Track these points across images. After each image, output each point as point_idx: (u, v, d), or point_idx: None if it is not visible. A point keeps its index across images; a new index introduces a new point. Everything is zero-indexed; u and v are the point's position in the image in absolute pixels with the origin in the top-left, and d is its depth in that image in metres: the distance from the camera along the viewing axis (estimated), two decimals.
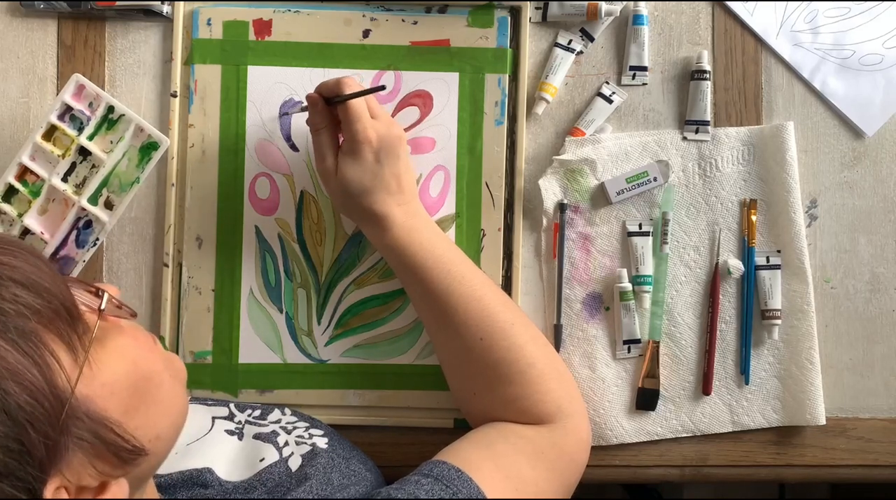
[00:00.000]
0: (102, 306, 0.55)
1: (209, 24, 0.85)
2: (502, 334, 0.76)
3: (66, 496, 0.50)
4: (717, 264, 0.85)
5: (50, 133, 0.82)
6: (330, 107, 0.77)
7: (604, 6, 0.84)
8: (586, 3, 0.84)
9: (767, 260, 0.85)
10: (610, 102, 0.86)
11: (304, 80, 0.85)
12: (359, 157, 0.75)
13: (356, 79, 0.78)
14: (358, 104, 0.75)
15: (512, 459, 0.72)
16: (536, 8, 0.86)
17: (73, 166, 0.83)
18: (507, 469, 0.70)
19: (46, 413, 0.48)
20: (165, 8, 0.85)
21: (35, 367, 0.48)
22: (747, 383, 0.85)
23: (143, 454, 0.54)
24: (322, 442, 0.74)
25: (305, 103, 0.78)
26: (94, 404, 0.51)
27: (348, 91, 0.75)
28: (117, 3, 0.84)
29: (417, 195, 0.80)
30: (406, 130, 0.85)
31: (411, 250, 0.77)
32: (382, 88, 0.77)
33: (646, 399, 0.85)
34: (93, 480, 0.51)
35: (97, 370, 0.52)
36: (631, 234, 0.85)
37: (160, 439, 0.56)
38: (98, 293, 0.55)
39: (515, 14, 0.86)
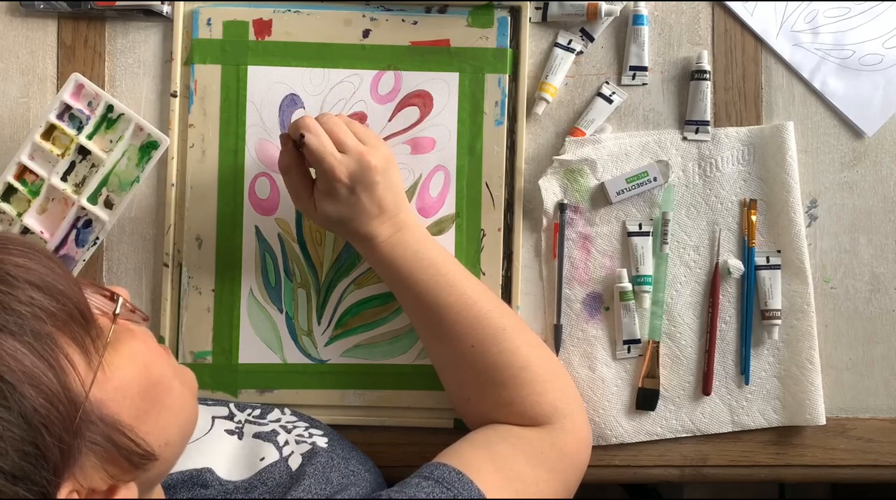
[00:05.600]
0: (117, 311, 0.55)
1: (209, 24, 0.85)
2: (493, 339, 0.75)
3: (77, 499, 0.50)
4: (717, 263, 0.85)
5: (49, 132, 0.82)
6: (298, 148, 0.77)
7: (604, 6, 0.84)
8: (586, 3, 0.84)
9: (767, 260, 0.85)
10: (610, 102, 0.86)
11: (304, 81, 0.85)
12: (333, 194, 0.75)
13: (323, 112, 0.78)
14: (317, 145, 0.74)
15: (512, 460, 0.71)
16: (536, 8, 0.86)
17: (72, 166, 0.82)
18: (507, 470, 0.70)
19: (61, 417, 0.48)
20: (165, 8, 0.85)
21: (50, 370, 0.48)
22: (747, 383, 0.85)
23: (153, 459, 0.54)
24: (322, 442, 0.74)
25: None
26: (107, 409, 0.51)
27: (307, 132, 0.74)
28: (117, 3, 0.84)
29: (405, 207, 0.79)
30: (406, 130, 0.85)
31: (397, 263, 0.77)
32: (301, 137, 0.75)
33: (646, 399, 0.85)
34: (103, 484, 0.51)
35: (110, 374, 0.52)
36: (631, 234, 0.85)
37: (169, 444, 0.56)
38: (113, 297, 0.55)
39: (515, 14, 0.86)
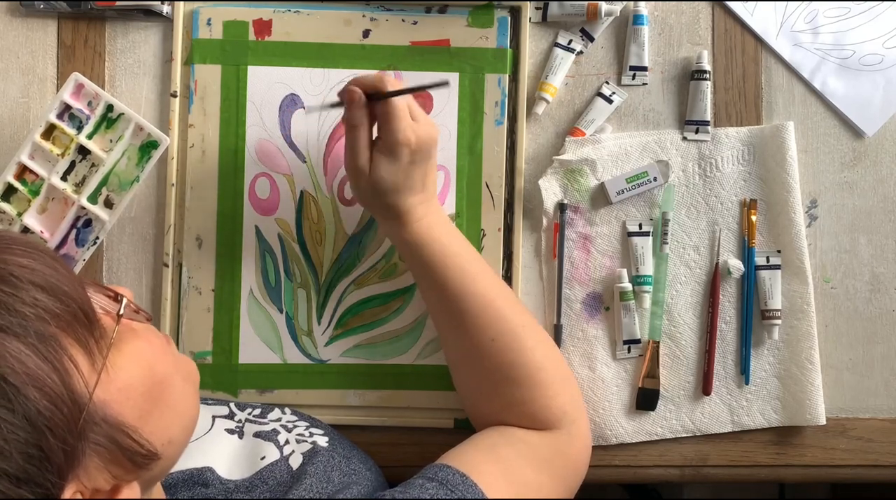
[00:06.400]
0: (121, 311, 0.55)
1: (209, 24, 0.85)
2: (513, 336, 0.75)
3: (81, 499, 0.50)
4: (717, 263, 0.85)
5: (49, 132, 0.82)
6: (370, 104, 0.74)
7: (604, 6, 0.84)
8: (586, 3, 0.84)
9: (767, 260, 0.85)
10: (610, 102, 0.86)
11: (304, 81, 0.85)
12: (395, 157, 0.73)
13: (391, 76, 0.77)
14: (401, 104, 0.72)
15: (516, 464, 0.71)
16: (536, 8, 0.86)
17: (72, 165, 0.82)
18: (510, 474, 0.70)
19: (65, 419, 0.48)
20: (165, 8, 0.85)
21: (55, 372, 0.48)
22: (747, 383, 0.85)
23: (156, 459, 0.54)
24: (322, 441, 0.74)
25: (334, 100, 0.77)
26: (110, 409, 0.51)
27: (389, 88, 0.72)
28: (117, 3, 0.84)
29: (437, 193, 0.79)
30: None
31: (428, 246, 0.76)
32: (445, 83, 0.73)
33: (646, 399, 0.85)
34: (107, 484, 0.51)
35: (114, 375, 0.52)
36: (631, 234, 0.85)
37: (172, 443, 0.56)
38: (116, 297, 0.55)
39: (515, 14, 0.86)
